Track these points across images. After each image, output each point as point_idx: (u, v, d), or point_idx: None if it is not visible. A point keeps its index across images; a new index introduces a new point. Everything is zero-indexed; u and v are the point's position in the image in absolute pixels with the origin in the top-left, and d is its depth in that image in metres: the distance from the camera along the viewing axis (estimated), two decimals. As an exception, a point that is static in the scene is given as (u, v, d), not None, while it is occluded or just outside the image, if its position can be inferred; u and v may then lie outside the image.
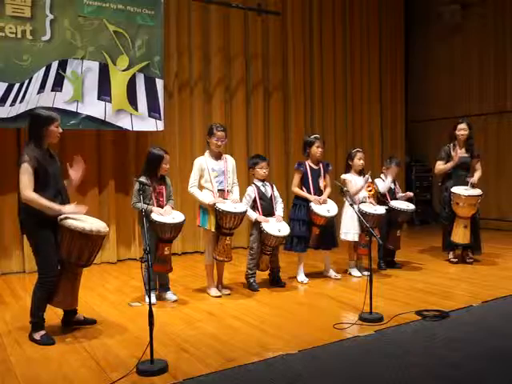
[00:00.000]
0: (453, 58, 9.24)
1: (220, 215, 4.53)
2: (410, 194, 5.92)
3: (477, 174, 5.91)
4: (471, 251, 6.02)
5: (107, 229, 3.73)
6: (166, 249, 4.40)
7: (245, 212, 4.66)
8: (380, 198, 5.69)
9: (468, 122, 5.94)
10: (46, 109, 3.91)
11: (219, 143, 4.70)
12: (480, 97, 8.89)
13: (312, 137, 5.32)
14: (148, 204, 4.37)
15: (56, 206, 3.48)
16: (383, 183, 5.68)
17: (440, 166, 5.99)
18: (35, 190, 3.43)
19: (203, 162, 4.72)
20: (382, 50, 9.14)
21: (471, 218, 5.80)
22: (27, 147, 3.50)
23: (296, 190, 5.24)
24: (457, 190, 5.73)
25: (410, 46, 9.85)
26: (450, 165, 5.87)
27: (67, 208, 3.53)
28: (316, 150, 5.23)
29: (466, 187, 5.79)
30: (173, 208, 4.59)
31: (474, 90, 8.96)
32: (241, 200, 4.85)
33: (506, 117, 8.57)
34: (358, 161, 5.49)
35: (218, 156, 4.77)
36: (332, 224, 5.28)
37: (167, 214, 4.41)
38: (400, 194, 5.83)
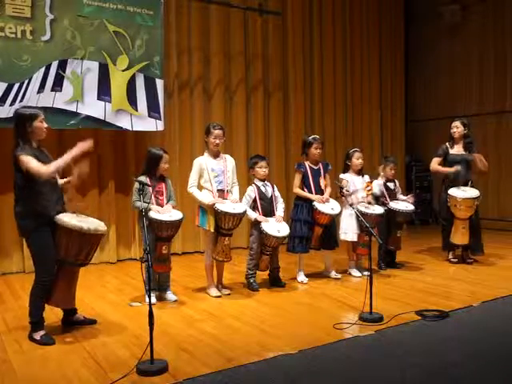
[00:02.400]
0: (453, 58, 9.24)
1: (219, 216, 4.53)
2: (412, 198, 5.89)
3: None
4: (471, 251, 6.02)
5: (105, 228, 3.74)
6: (163, 247, 4.39)
7: (244, 212, 4.66)
8: (379, 199, 5.67)
9: (463, 121, 5.96)
10: (28, 107, 3.92)
11: (217, 141, 4.69)
12: (480, 97, 8.89)
13: (310, 138, 5.30)
14: (148, 203, 4.37)
15: (67, 156, 3.46)
16: (376, 185, 5.63)
17: (436, 164, 6.01)
18: (29, 187, 3.43)
19: (203, 162, 4.72)
20: (382, 50, 9.14)
21: (470, 219, 5.80)
22: (18, 147, 3.47)
23: (298, 190, 5.23)
24: (454, 192, 5.74)
25: (410, 46, 9.86)
26: (445, 169, 5.90)
27: (76, 148, 3.50)
28: (314, 151, 5.22)
29: (464, 188, 5.80)
30: (174, 207, 4.59)
31: (474, 90, 8.96)
32: (241, 200, 4.85)
33: (506, 117, 8.57)
34: (356, 160, 5.48)
35: (217, 156, 4.76)
36: (333, 224, 5.28)
37: (166, 212, 4.41)
38: (402, 197, 5.80)
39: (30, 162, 3.39)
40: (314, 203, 5.07)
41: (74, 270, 3.68)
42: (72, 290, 3.72)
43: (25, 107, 3.82)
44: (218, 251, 4.63)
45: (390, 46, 9.25)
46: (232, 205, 4.61)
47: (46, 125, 3.62)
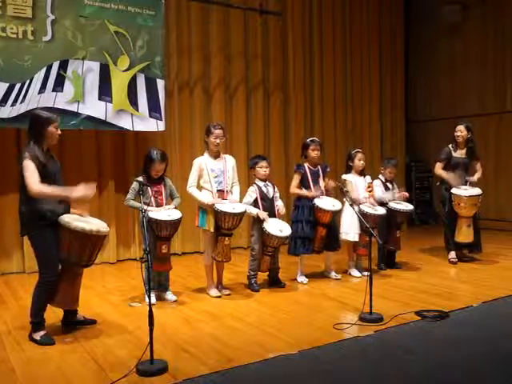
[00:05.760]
0: (453, 58, 9.23)
1: (219, 216, 4.54)
2: (406, 194, 5.87)
3: (477, 174, 5.95)
4: (468, 250, 6.05)
5: (108, 229, 3.74)
6: (163, 247, 4.41)
7: (243, 212, 4.66)
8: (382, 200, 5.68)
9: (467, 125, 5.95)
10: (46, 109, 3.93)
11: (218, 141, 4.69)
12: (480, 97, 8.88)
13: (308, 140, 5.33)
14: (148, 204, 4.39)
15: (66, 192, 3.46)
16: (379, 193, 5.63)
17: (440, 169, 6.01)
18: None
19: (202, 162, 4.72)
20: (382, 50, 9.13)
21: (473, 217, 5.83)
22: (27, 147, 3.51)
23: (295, 190, 5.23)
24: (457, 191, 5.75)
25: (410, 46, 9.85)
26: (447, 177, 5.89)
27: (77, 190, 3.48)
28: (312, 153, 5.23)
29: (465, 186, 5.82)
30: (177, 205, 4.62)
31: (474, 90, 8.96)
32: (241, 200, 4.85)
33: (506, 117, 8.57)
34: (359, 161, 5.49)
35: (217, 156, 4.77)
36: (335, 225, 5.28)
37: (164, 212, 4.42)
38: (396, 195, 5.80)
39: (27, 171, 3.40)
40: (315, 201, 5.08)
41: (77, 271, 3.68)
42: (75, 291, 3.72)
43: (43, 109, 3.86)
44: (217, 251, 4.63)
45: (390, 46, 9.24)
46: (231, 205, 4.61)
47: (59, 131, 3.64)
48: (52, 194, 3.44)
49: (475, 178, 5.90)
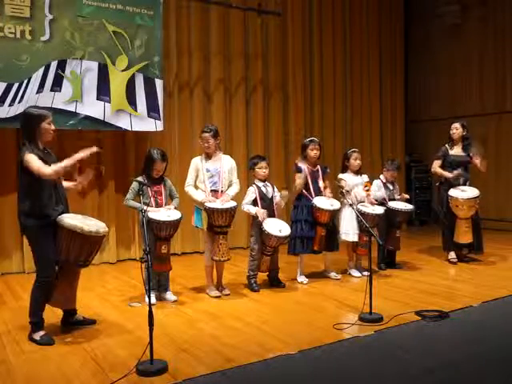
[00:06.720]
0: (453, 58, 9.23)
1: (208, 213, 4.55)
2: (406, 196, 5.93)
3: (482, 165, 5.89)
4: (468, 250, 6.05)
5: (106, 229, 3.73)
6: (163, 247, 4.40)
7: (233, 208, 4.60)
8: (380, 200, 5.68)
9: (463, 123, 6.01)
10: (37, 107, 3.91)
11: (205, 144, 4.70)
12: (480, 97, 8.88)
13: (307, 140, 5.34)
14: (147, 204, 4.38)
15: (65, 162, 3.46)
16: (376, 192, 5.64)
17: (437, 168, 6.03)
18: (33, 186, 3.44)
19: (198, 162, 4.74)
20: (382, 50, 9.13)
21: (472, 217, 5.82)
22: (24, 147, 3.49)
23: (297, 184, 5.19)
24: (454, 193, 5.76)
25: (410, 46, 9.85)
26: (447, 174, 5.89)
27: (76, 156, 3.52)
28: (311, 152, 5.22)
29: (463, 187, 5.82)
30: (177, 206, 4.61)
31: (474, 90, 8.95)
32: (239, 200, 4.84)
33: (506, 117, 8.56)
34: (354, 161, 5.49)
35: (213, 157, 4.76)
36: (334, 225, 5.27)
37: (164, 212, 4.41)
38: (396, 197, 5.82)
39: (32, 162, 3.40)
40: (313, 201, 5.07)
41: (75, 271, 3.69)
42: (73, 290, 3.73)
43: (34, 107, 3.82)
44: (214, 251, 4.63)
45: (390, 46, 9.24)
46: (221, 201, 4.61)
47: (53, 127, 3.62)
48: (62, 168, 3.45)
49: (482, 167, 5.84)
